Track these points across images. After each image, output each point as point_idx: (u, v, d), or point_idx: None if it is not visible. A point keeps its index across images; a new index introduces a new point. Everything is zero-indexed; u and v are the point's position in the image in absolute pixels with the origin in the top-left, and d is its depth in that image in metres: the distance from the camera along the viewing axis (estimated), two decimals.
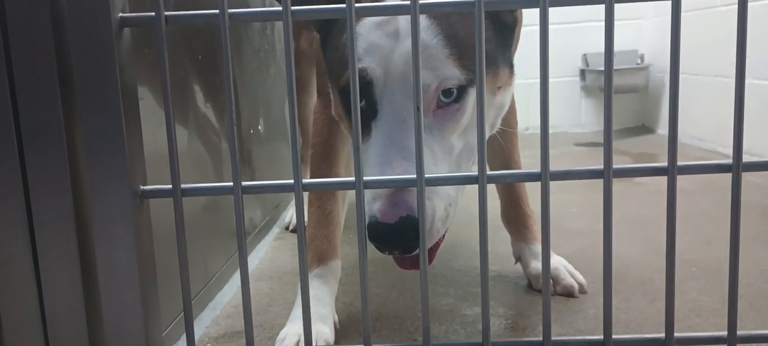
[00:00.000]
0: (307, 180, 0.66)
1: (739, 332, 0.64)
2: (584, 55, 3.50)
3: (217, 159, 1.32)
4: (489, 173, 0.64)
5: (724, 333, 0.65)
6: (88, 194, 0.65)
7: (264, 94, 1.76)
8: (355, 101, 0.63)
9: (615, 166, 0.63)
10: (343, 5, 0.63)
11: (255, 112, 1.67)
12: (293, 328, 0.99)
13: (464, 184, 0.64)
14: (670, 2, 0.63)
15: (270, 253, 1.53)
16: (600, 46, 3.74)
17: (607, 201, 0.63)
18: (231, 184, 0.65)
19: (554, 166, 0.63)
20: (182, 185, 0.66)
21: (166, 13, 0.64)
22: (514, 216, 1.24)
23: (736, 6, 0.63)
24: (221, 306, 1.20)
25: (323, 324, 1.00)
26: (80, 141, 0.64)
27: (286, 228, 1.73)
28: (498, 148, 1.24)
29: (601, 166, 0.63)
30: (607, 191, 0.63)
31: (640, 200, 1.84)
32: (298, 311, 1.01)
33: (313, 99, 1.76)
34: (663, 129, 3.35)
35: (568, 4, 0.63)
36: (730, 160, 0.62)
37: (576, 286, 1.15)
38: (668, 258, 0.63)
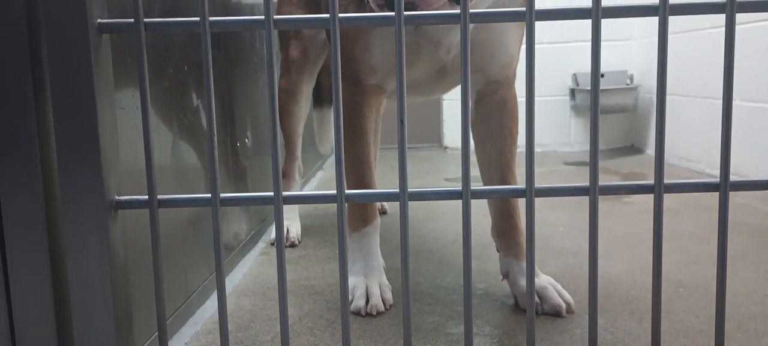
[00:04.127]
0: (287, 193, 0.64)
1: None
2: (574, 74, 3.51)
3: (204, 172, 1.30)
4: (473, 188, 0.62)
5: None
6: (60, 203, 0.63)
7: (252, 107, 1.75)
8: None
9: (601, 183, 0.62)
10: (327, 15, 0.62)
11: (243, 124, 1.66)
12: (358, 280, 1.22)
13: (448, 199, 0.63)
14: (658, 23, 0.62)
15: (255, 268, 1.50)
16: (590, 66, 3.75)
17: (593, 218, 0.62)
18: (209, 195, 0.64)
19: (543, 184, 0.62)
20: (159, 196, 0.65)
21: (145, 19, 0.62)
22: (505, 230, 1.22)
23: (724, 28, 0.62)
24: (202, 322, 1.17)
25: (382, 274, 1.26)
26: (53, 148, 0.63)
27: (272, 243, 1.71)
28: (496, 156, 1.22)
29: (588, 184, 0.62)
30: (593, 207, 0.61)
31: (628, 220, 1.83)
32: (355, 266, 1.24)
33: (302, 108, 1.75)
34: (652, 149, 3.36)
35: (554, 18, 0.62)
36: (717, 179, 0.61)
37: (563, 305, 1.13)
38: (655, 275, 0.62)
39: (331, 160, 3.37)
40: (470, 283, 0.63)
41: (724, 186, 0.60)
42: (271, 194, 0.64)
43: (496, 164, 1.22)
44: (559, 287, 1.18)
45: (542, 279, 1.19)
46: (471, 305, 0.64)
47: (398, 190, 0.63)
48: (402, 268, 0.63)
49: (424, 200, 0.63)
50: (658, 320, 0.63)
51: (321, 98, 1.91)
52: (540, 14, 0.61)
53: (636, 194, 0.61)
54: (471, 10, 0.60)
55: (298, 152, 1.82)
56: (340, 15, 0.62)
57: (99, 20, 0.63)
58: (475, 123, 1.26)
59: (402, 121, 0.61)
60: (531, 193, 0.61)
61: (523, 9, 0.61)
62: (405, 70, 1.15)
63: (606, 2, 0.61)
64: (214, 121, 0.64)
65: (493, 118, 1.23)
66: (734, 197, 1.99)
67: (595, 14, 0.60)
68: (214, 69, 1.41)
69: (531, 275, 0.64)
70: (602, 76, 3.35)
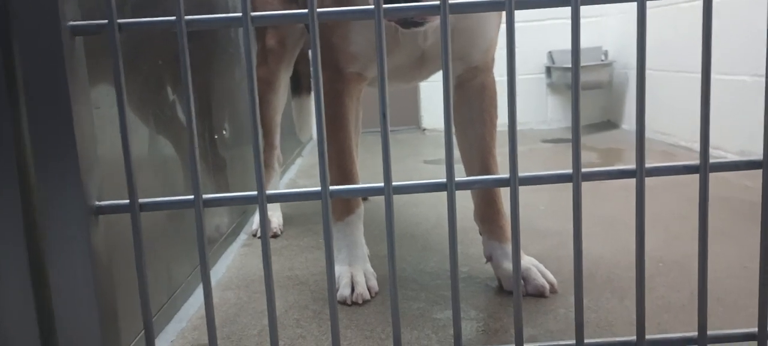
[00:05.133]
0: (270, 192, 0.64)
1: (709, 333, 0.64)
2: (550, 52, 3.53)
3: (183, 164, 1.29)
4: (457, 179, 0.63)
5: (695, 334, 0.65)
6: (39, 210, 0.62)
7: (230, 98, 1.73)
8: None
9: (584, 169, 0.62)
10: (305, 10, 0.61)
11: (220, 116, 1.64)
12: (343, 268, 1.22)
13: (433, 191, 0.63)
14: (634, 2, 0.63)
15: (238, 260, 1.50)
16: (565, 44, 3.78)
17: (577, 205, 0.62)
18: (191, 197, 0.63)
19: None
20: (140, 200, 0.64)
21: (119, 20, 0.61)
22: (488, 214, 1.23)
23: (697, 2, 0.63)
24: (187, 318, 1.17)
25: (366, 262, 1.27)
26: (30, 156, 0.61)
27: (254, 234, 1.70)
28: (477, 141, 1.23)
29: (570, 171, 0.62)
30: (576, 194, 0.62)
31: (607, 198, 1.86)
32: (340, 255, 1.25)
33: (280, 97, 1.74)
34: (627, 124, 3.39)
35: (534, 6, 0.62)
36: (697, 162, 0.61)
37: (547, 286, 1.15)
38: (638, 260, 0.63)
39: (310, 147, 3.36)
40: (457, 273, 0.63)
41: (704, 168, 0.61)
42: (255, 193, 0.63)
43: (477, 149, 1.23)
44: (541, 267, 1.19)
45: (525, 260, 1.20)
46: (458, 295, 0.64)
47: (383, 184, 0.63)
48: (389, 260, 0.64)
49: (409, 193, 0.63)
50: (642, 303, 0.64)
51: (300, 86, 1.89)
52: (520, 3, 0.61)
53: (618, 179, 0.62)
54: (450, 1, 0.60)
55: (277, 142, 1.81)
56: (319, 10, 0.61)
57: (71, 23, 0.61)
58: (455, 108, 1.26)
59: (384, 115, 0.61)
60: (515, 182, 0.62)
61: None
62: (387, 55, 1.16)
63: None
64: (194, 122, 0.63)
65: (473, 103, 1.23)
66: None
67: (575, 1, 0.60)
68: (190, 61, 1.39)
69: (517, 265, 0.65)
70: None
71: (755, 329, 0.62)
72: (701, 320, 0.63)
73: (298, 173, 2.73)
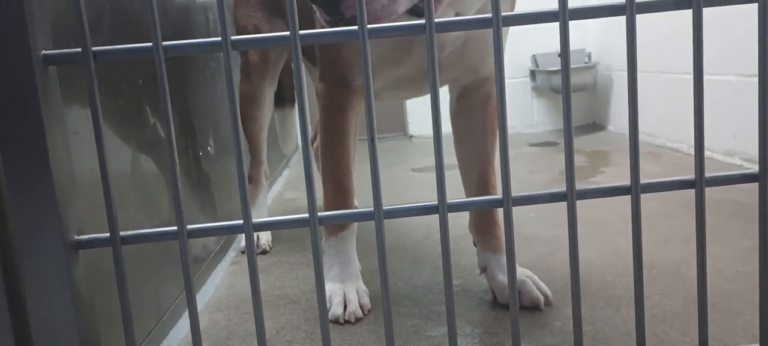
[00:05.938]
0: (257, 220, 0.62)
1: None
2: (533, 56, 3.53)
3: (166, 183, 1.26)
4: (449, 201, 0.61)
5: None
6: (16, 247, 0.60)
7: (212, 113, 1.70)
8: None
9: (578, 188, 0.61)
10: (287, 33, 0.59)
11: (204, 131, 1.61)
12: (335, 286, 1.20)
13: (424, 214, 0.61)
14: (626, 22, 0.61)
15: (227, 279, 1.47)
16: (549, 47, 3.75)
17: (572, 223, 0.61)
18: (175, 228, 0.61)
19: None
20: (122, 233, 0.61)
21: (94, 48, 0.59)
22: (484, 225, 1.22)
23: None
24: (176, 342, 1.14)
25: (359, 279, 1.24)
26: (5, 190, 0.59)
27: (243, 252, 1.67)
28: (477, 150, 1.21)
29: (564, 189, 0.61)
30: (571, 213, 0.61)
31: (596, 202, 1.85)
32: (331, 272, 1.22)
33: (265, 113, 1.71)
34: (613, 126, 3.40)
35: (520, 23, 0.61)
36: (692, 176, 0.60)
37: (541, 298, 1.13)
38: (636, 282, 0.61)
39: (297, 158, 3.33)
40: (452, 296, 0.61)
41: (699, 184, 0.60)
42: (241, 222, 0.61)
43: (477, 158, 1.21)
44: (536, 279, 1.18)
45: (520, 272, 1.19)
46: (454, 318, 0.62)
47: (372, 209, 0.61)
48: (381, 284, 0.62)
49: (400, 216, 0.61)
50: (641, 324, 0.63)
51: (283, 98, 1.87)
52: (507, 19, 0.60)
53: (613, 196, 0.60)
54: (436, 20, 0.59)
55: (264, 157, 1.78)
56: (301, 32, 0.59)
57: (44, 52, 0.59)
58: (456, 117, 1.24)
59: (372, 139, 0.59)
60: (508, 203, 0.60)
61: (489, 16, 0.59)
62: (396, 66, 1.13)
63: (572, 3, 0.60)
64: (175, 151, 0.61)
65: (476, 112, 1.22)
66: None
67: (563, 17, 0.59)
68: (170, 78, 1.36)
69: (512, 283, 0.63)
70: (559, 56, 3.37)
71: (756, 345, 0.61)
72: (702, 335, 0.62)
73: (285, 185, 2.70)
